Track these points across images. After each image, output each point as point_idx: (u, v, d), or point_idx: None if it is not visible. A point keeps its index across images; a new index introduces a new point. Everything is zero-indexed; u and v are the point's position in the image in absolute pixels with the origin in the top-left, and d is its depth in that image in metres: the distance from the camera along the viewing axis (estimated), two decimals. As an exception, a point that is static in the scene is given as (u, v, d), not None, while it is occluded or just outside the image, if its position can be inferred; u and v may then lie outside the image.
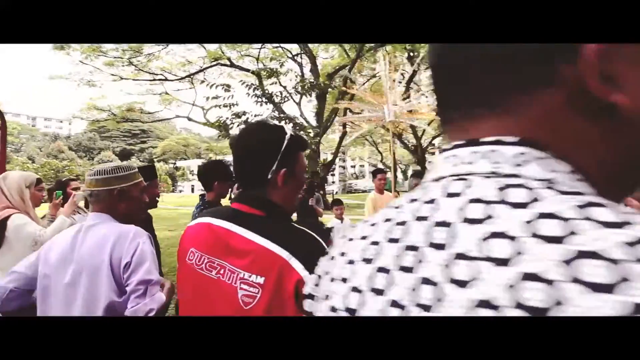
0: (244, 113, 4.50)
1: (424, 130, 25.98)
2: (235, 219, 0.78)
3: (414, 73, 12.15)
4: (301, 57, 16.15)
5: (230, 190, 2.14)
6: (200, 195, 2.17)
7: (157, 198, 2.08)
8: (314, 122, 12.81)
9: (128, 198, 1.27)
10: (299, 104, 13.37)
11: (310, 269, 0.63)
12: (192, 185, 54.70)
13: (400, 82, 4.21)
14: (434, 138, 28.20)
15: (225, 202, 2.14)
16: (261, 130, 0.85)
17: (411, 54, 17.76)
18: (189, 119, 20.09)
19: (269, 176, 0.79)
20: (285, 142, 0.81)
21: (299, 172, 0.85)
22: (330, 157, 19.00)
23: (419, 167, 28.73)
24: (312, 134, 4.54)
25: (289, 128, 0.84)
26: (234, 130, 4.52)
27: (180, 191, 50.99)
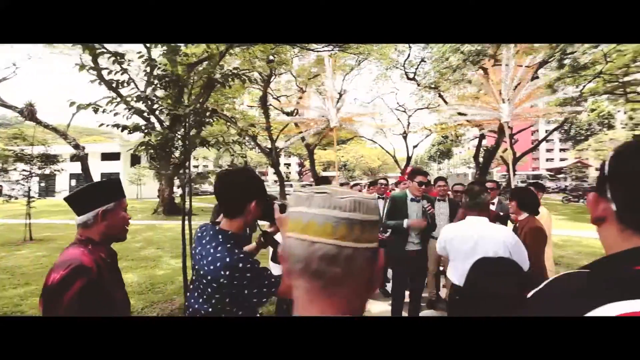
0: (142, 98, 3.18)
1: (279, 135, 26.81)
2: None
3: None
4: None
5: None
6: (211, 225, 1.35)
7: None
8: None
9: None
10: (148, 98, 11.41)
11: None
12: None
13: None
14: (287, 140, 29.45)
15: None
16: None
17: (271, 57, 17.98)
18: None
19: None
20: None
21: None
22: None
23: (272, 170, 29.57)
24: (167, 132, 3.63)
25: None
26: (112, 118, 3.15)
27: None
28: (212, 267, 1.19)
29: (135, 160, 30.40)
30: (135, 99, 3.24)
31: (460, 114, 4.19)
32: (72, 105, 3.05)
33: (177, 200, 18.84)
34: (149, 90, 3.70)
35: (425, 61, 23.36)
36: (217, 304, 1.23)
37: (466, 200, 2.23)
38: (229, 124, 21.91)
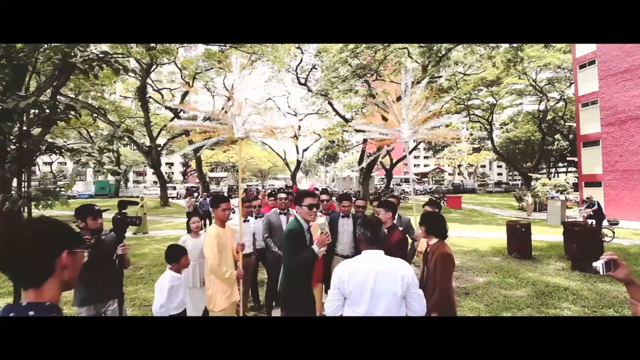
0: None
1: (160, 131, 24.00)
2: None
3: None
4: None
5: None
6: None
7: None
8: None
9: None
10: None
11: None
12: None
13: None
14: (168, 141, 26.56)
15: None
16: None
17: (152, 44, 15.88)
18: None
19: None
20: None
21: None
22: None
23: (151, 170, 26.19)
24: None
25: None
26: None
27: None
28: None
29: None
30: None
31: (360, 131, 4.26)
32: None
33: None
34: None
35: (316, 68, 24.19)
36: None
37: (365, 233, 2.03)
38: (95, 115, 18.44)
